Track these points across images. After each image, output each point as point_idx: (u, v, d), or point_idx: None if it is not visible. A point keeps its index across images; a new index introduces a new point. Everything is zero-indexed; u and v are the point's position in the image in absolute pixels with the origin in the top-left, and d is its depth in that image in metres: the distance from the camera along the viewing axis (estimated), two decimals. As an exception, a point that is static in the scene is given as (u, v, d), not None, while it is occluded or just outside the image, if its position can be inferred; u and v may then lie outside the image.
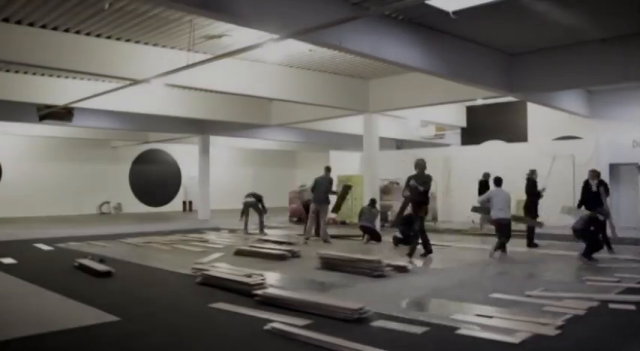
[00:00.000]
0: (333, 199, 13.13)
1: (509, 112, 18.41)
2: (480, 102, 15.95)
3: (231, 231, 14.69)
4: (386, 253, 9.94)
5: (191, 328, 4.93)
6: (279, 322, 4.90)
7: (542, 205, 11.20)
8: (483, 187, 13.81)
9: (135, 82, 10.47)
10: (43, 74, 12.51)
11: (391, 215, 15.87)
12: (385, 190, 16.56)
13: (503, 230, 9.56)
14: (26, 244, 11.82)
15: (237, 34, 9.44)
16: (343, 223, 17.44)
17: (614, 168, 15.29)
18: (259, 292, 5.99)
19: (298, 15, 7.26)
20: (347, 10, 7.71)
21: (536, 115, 17.24)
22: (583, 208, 9.84)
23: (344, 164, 19.66)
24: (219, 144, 24.37)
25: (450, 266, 8.65)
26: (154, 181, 26.34)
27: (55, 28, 9.09)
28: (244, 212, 14.12)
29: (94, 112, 15.55)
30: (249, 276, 6.71)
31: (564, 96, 14.16)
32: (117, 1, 7.99)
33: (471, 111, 19.31)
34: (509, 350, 4.23)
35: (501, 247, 9.46)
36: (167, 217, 22.14)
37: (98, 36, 9.59)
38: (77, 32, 9.34)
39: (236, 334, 4.79)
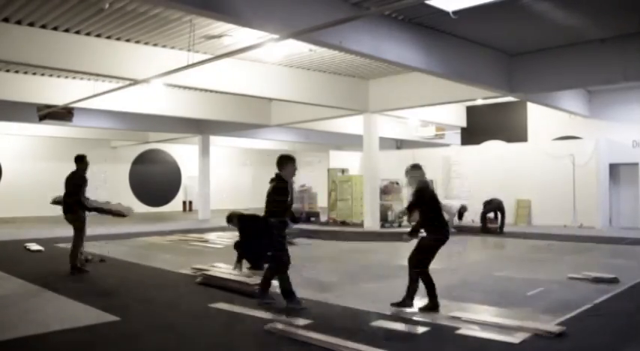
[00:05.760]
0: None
1: (509, 112, 18.41)
2: (479, 102, 15.94)
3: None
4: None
5: (191, 328, 4.93)
6: (279, 322, 4.91)
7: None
8: None
9: (135, 82, 10.47)
10: (43, 74, 12.50)
11: (391, 215, 15.83)
12: (385, 190, 16.53)
13: None
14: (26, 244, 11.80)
15: (237, 34, 9.43)
16: (343, 222, 17.40)
17: (614, 168, 15.29)
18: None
19: (298, 15, 7.25)
20: (347, 10, 7.71)
21: (536, 115, 17.24)
22: None
23: (344, 164, 19.64)
24: (219, 144, 24.36)
25: (450, 266, 8.65)
26: (154, 181, 26.31)
27: (55, 28, 9.08)
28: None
29: (94, 112, 15.53)
30: (250, 276, 6.72)
31: (564, 96, 14.15)
32: (117, 1, 7.99)
33: (471, 111, 19.31)
34: (509, 350, 4.24)
35: None
36: (167, 217, 22.12)
37: (98, 36, 9.58)
38: (77, 32, 9.32)
39: (236, 334, 4.79)
